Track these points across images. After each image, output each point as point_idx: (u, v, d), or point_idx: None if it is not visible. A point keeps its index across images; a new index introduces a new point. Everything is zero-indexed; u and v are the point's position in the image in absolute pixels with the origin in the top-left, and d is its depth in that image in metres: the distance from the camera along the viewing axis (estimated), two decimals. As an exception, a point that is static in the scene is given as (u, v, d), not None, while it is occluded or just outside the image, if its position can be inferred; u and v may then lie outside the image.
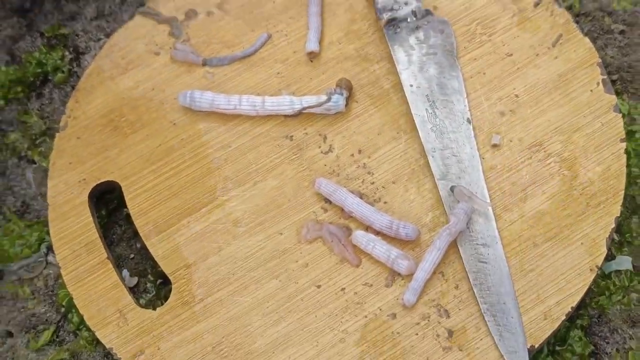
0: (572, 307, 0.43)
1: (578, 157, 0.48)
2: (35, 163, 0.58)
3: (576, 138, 0.49)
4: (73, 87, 0.59)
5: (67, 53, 0.62)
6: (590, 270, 0.44)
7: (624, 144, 0.48)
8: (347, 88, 0.52)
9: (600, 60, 0.52)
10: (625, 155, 0.48)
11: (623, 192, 0.47)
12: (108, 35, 0.61)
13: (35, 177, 0.57)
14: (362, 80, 0.53)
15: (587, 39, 0.53)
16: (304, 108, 0.51)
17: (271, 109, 0.52)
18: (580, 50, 0.53)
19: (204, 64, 0.56)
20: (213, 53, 0.56)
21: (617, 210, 0.46)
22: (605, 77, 0.51)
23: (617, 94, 0.55)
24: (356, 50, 0.55)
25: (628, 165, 0.50)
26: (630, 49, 0.57)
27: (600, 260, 0.45)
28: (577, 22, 0.58)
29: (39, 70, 0.61)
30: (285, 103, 0.52)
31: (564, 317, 0.43)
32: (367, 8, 0.57)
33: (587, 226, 0.46)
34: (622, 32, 0.58)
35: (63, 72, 0.61)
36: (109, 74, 0.56)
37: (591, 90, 0.51)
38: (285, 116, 0.52)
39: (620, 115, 0.50)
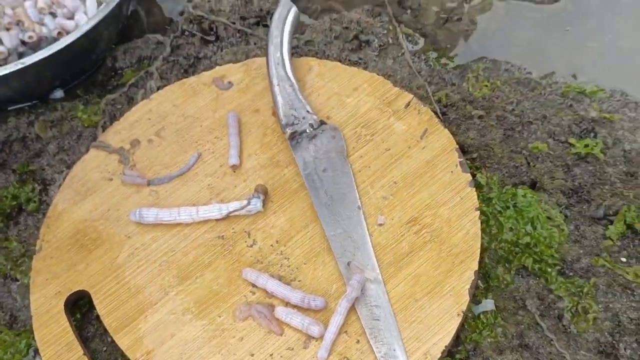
0: (445, 346, 0.56)
1: (444, 226, 0.62)
2: (18, 280, 0.70)
3: (442, 211, 0.63)
4: (44, 214, 0.72)
5: (36, 185, 0.75)
6: (458, 315, 0.57)
7: (478, 212, 0.62)
8: (263, 192, 0.65)
9: (457, 147, 0.67)
10: (479, 221, 0.62)
11: (479, 250, 0.60)
12: (69, 167, 0.74)
13: (20, 293, 0.69)
14: (275, 183, 0.67)
15: (447, 131, 0.68)
16: (230, 212, 0.65)
17: (204, 216, 0.65)
18: (442, 139, 0.67)
19: (149, 184, 0.69)
20: (155, 174, 0.70)
21: (475, 265, 0.59)
22: (462, 159, 0.66)
23: (477, 168, 0.69)
24: (269, 159, 0.69)
25: (488, 226, 0.63)
26: (486, 130, 0.72)
27: (464, 307, 0.58)
28: (444, 113, 0.73)
29: (14, 202, 0.73)
30: (215, 210, 0.65)
31: (440, 355, 0.56)
32: (275, 123, 0.71)
33: (454, 280, 0.59)
34: (480, 117, 0.73)
35: (34, 202, 0.73)
36: (72, 200, 0.69)
37: (451, 171, 0.65)
38: (217, 220, 0.66)
39: (474, 189, 0.64)
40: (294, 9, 0.73)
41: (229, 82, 0.74)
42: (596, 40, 0.81)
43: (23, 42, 0.85)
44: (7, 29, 0.86)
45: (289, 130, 0.68)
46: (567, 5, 0.85)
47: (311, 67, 0.74)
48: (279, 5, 0.74)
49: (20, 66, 0.74)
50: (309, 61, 0.75)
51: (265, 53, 0.77)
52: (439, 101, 0.74)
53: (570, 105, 0.74)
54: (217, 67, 0.76)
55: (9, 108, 0.81)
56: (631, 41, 0.81)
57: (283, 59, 0.71)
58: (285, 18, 0.73)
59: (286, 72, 0.70)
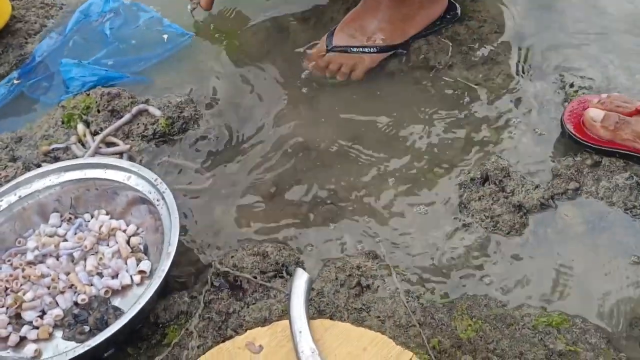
0: None
1: None
2: None
3: None
4: None
5: None
6: None
7: None
8: None
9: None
10: None
11: None
12: None
13: None
14: None
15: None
16: None
17: None
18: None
19: None
20: None
21: None
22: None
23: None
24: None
25: None
26: (475, 372, 0.88)
27: None
28: None
29: None
30: None
31: None
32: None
33: None
34: None
35: None
36: None
37: None
38: None
39: None
40: (308, 278, 0.90)
41: (260, 346, 0.90)
42: (555, 265, 0.98)
43: (76, 303, 1.01)
44: (62, 292, 1.02)
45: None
46: (529, 236, 1.03)
47: (327, 328, 0.90)
48: (295, 276, 0.90)
49: (86, 348, 0.89)
50: (324, 323, 0.90)
51: (286, 307, 0.93)
52: (433, 348, 0.90)
53: (541, 339, 0.90)
54: (248, 332, 0.91)
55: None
56: (583, 265, 0.99)
57: (303, 329, 0.87)
58: (303, 289, 0.89)
59: (307, 342, 0.86)
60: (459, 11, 1.39)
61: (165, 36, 1.41)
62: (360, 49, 1.31)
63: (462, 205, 1.07)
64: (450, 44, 1.34)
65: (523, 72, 1.29)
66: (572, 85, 1.24)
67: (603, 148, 1.10)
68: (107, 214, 1.10)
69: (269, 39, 1.43)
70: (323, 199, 1.11)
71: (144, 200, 1.06)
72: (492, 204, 1.05)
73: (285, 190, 1.14)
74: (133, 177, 1.06)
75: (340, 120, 1.25)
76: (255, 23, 1.47)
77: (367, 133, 1.22)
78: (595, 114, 1.10)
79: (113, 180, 1.08)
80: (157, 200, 1.02)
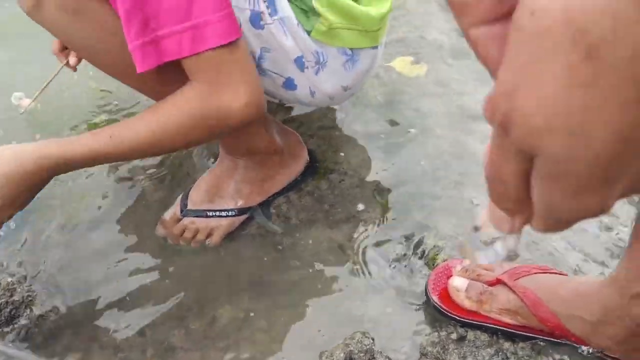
0: None
1: None
2: None
3: None
4: None
5: None
6: None
7: None
8: None
9: None
10: None
11: None
12: None
13: None
14: None
15: None
16: None
17: None
18: None
19: None
20: None
21: None
22: None
23: None
24: None
25: None
26: None
27: None
28: None
29: None
30: None
31: None
32: None
33: None
34: None
35: None
36: None
37: None
38: None
39: None
40: None
41: None
42: None
43: None
44: None
45: None
46: None
47: None
48: None
49: None
50: None
51: None
52: None
53: None
54: None
55: None
56: None
57: None
58: None
59: None
60: (318, 164, 1.36)
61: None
62: (218, 213, 1.23)
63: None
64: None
65: (385, 223, 1.26)
66: (434, 247, 1.21)
67: (467, 321, 1.06)
68: None
69: (116, 199, 1.33)
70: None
71: None
72: (355, 396, 0.98)
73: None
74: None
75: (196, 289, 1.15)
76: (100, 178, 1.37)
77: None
78: (459, 283, 1.07)
79: None
80: None
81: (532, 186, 0.35)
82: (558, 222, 0.36)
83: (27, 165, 0.93)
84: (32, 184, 0.95)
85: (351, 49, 1.15)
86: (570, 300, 0.97)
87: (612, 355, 0.99)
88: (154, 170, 1.38)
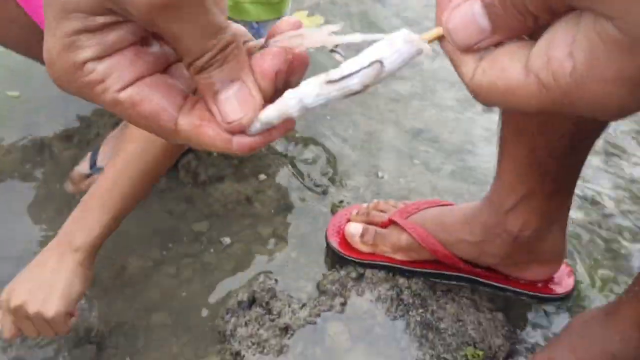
0: None
1: None
2: None
3: None
4: None
5: None
6: None
7: None
8: None
9: None
10: None
11: None
12: None
13: None
14: None
15: None
16: None
17: None
18: None
19: None
20: None
21: None
22: None
23: None
24: None
25: None
26: None
27: None
28: None
29: None
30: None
31: None
32: None
33: None
34: None
35: None
36: None
37: None
38: None
39: None
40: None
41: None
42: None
43: None
44: None
45: None
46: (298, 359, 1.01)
47: None
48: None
49: None
50: None
51: None
52: None
53: None
54: None
55: None
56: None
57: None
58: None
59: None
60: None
61: None
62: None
63: (229, 334, 1.04)
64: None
65: (303, 180, 1.31)
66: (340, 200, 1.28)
67: (365, 262, 1.13)
68: None
69: (26, 160, 1.33)
70: None
71: None
72: (258, 329, 1.03)
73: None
74: None
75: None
76: (11, 142, 1.37)
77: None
78: (353, 229, 1.13)
79: None
80: None
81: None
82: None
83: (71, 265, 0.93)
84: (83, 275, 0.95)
85: (257, 22, 1.20)
86: (456, 227, 1.04)
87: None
88: (63, 129, 1.39)
